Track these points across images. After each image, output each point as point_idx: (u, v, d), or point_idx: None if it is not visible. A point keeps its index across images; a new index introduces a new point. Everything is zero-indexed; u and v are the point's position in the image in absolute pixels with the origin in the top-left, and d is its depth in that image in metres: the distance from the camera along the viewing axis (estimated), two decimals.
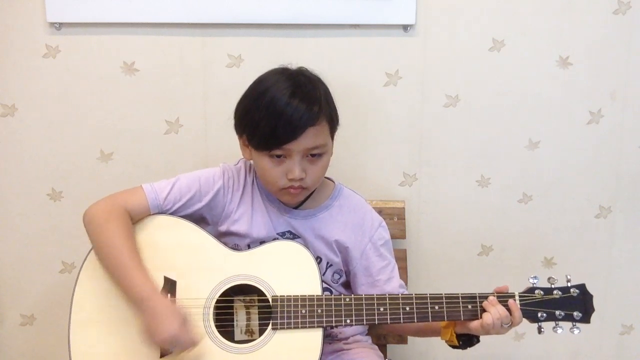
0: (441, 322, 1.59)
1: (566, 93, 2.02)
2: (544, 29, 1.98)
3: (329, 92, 1.62)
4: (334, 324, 1.54)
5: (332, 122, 1.60)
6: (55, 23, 1.98)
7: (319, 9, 1.96)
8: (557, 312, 1.51)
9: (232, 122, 1.63)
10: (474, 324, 1.51)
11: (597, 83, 2.02)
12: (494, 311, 1.49)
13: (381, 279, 1.70)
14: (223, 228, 1.67)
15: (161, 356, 1.50)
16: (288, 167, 1.55)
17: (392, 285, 1.70)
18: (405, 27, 1.98)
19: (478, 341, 1.57)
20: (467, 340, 1.57)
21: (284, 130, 1.50)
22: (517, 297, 1.53)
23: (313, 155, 1.56)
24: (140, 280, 1.49)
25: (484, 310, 1.51)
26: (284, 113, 1.49)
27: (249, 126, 1.56)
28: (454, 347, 1.59)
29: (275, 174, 1.56)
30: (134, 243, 1.56)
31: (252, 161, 1.65)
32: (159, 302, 1.47)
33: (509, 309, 1.51)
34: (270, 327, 1.53)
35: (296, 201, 1.66)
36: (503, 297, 1.53)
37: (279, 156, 1.54)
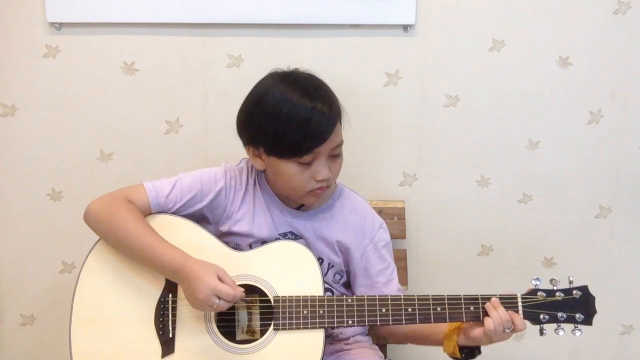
0: (443, 332, 1.59)
1: (566, 93, 2.02)
2: (544, 29, 1.98)
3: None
4: (335, 325, 1.54)
5: (341, 117, 1.61)
6: (55, 23, 1.97)
7: (319, 9, 1.96)
8: (559, 314, 1.51)
9: (231, 122, 1.61)
10: (476, 333, 1.50)
11: (597, 83, 2.02)
12: (495, 315, 1.48)
13: (380, 281, 1.70)
14: (225, 228, 1.67)
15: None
16: (315, 169, 1.54)
17: (391, 288, 1.70)
18: (405, 27, 1.98)
19: (479, 353, 1.57)
20: (469, 353, 1.56)
21: (314, 135, 1.49)
22: (519, 299, 1.52)
23: (335, 155, 1.57)
24: (169, 253, 1.51)
25: (486, 314, 1.51)
26: (311, 119, 1.49)
27: (271, 138, 1.53)
28: (456, 359, 1.59)
29: (303, 179, 1.55)
30: (148, 224, 1.57)
31: (264, 169, 1.63)
32: (193, 265, 1.49)
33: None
34: (272, 327, 1.53)
35: (319, 201, 1.66)
36: (506, 299, 1.52)
37: (307, 162, 1.54)
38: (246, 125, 1.59)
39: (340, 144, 1.57)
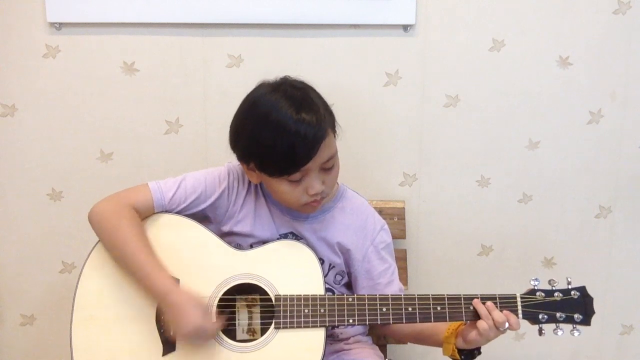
0: (443, 335, 1.59)
1: (566, 93, 2.02)
2: (544, 29, 1.99)
3: (320, 95, 1.60)
4: (336, 324, 1.54)
5: (334, 126, 1.59)
6: (55, 23, 1.98)
7: (319, 9, 1.96)
8: (558, 314, 1.51)
9: (234, 152, 1.61)
10: (473, 335, 1.50)
11: (597, 83, 2.02)
12: (480, 326, 1.48)
13: (382, 282, 1.70)
14: (226, 228, 1.67)
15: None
16: (308, 184, 1.53)
17: (392, 289, 1.70)
18: (405, 27, 1.99)
19: (479, 353, 1.57)
20: (468, 354, 1.56)
21: (300, 152, 1.47)
22: (518, 298, 1.52)
23: (328, 167, 1.56)
24: (159, 278, 1.51)
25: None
26: (298, 132, 1.46)
27: (261, 153, 1.51)
28: None
29: (296, 194, 1.55)
30: (148, 241, 1.57)
31: (259, 182, 1.64)
32: (180, 296, 1.49)
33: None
34: (273, 326, 1.53)
35: (316, 210, 1.65)
36: (505, 299, 1.52)
37: (297, 179, 1.53)
38: (237, 138, 1.57)
39: (332, 157, 1.54)
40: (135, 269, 1.53)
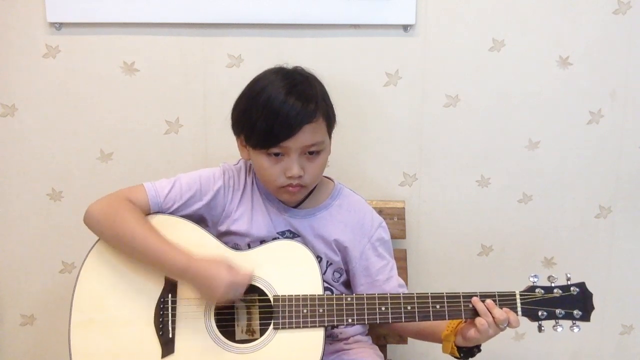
0: (442, 333, 1.59)
1: (566, 93, 2.02)
2: (544, 29, 1.99)
3: (325, 89, 1.63)
4: (335, 324, 1.54)
5: (329, 119, 1.60)
6: (55, 23, 1.98)
7: (319, 9, 1.96)
8: (557, 311, 1.51)
9: (230, 122, 1.64)
10: (472, 333, 1.50)
11: (597, 83, 2.02)
12: (479, 323, 1.49)
13: (380, 278, 1.70)
14: (223, 228, 1.67)
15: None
16: (286, 165, 1.55)
17: (391, 285, 1.70)
18: (405, 27, 1.99)
19: (479, 351, 1.57)
20: (467, 352, 1.56)
21: (281, 128, 1.51)
22: (517, 296, 1.52)
23: (311, 153, 1.57)
24: (172, 254, 1.52)
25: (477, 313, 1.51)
26: (280, 111, 1.50)
27: (247, 125, 1.57)
28: (456, 358, 1.59)
29: (273, 173, 1.56)
30: (150, 224, 1.57)
31: (250, 161, 1.65)
32: (200, 264, 1.50)
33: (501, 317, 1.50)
34: (271, 326, 1.53)
35: (295, 200, 1.66)
36: (504, 296, 1.53)
37: (277, 154, 1.55)
38: (234, 109, 1.62)
39: (316, 144, 1.56)
40: (145, 253, 1.53)
